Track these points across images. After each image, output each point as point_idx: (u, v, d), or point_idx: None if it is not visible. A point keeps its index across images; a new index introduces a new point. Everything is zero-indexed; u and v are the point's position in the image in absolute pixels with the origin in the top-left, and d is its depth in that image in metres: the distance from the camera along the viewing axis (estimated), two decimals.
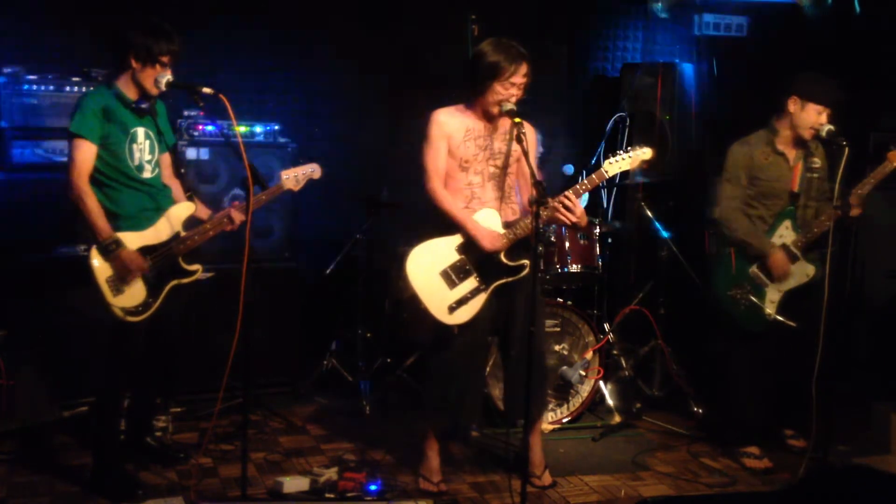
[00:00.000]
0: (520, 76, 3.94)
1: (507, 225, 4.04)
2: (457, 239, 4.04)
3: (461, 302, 3.99)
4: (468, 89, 4.04)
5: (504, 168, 4.09)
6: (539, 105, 4.40)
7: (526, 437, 3.96)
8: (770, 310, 4.50)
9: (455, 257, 4.02)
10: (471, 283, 4.02)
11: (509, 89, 3.92)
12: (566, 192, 3.95)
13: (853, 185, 4.40)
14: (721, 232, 4.64)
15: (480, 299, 4.02)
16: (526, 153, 3.81)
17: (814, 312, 4.29)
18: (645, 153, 4.04)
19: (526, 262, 4.03)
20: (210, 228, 4.08)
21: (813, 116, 4.44)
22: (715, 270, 4.68)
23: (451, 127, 4.03)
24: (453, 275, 4.01)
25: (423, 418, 4.27)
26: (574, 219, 3.95)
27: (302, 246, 5.51)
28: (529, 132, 4.02)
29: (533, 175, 3.75)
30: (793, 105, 4.49)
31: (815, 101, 4.43)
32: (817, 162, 4.56)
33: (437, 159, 4.04)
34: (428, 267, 4.00)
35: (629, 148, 4.04)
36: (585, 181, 4.01)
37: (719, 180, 4.64)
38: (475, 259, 4.02)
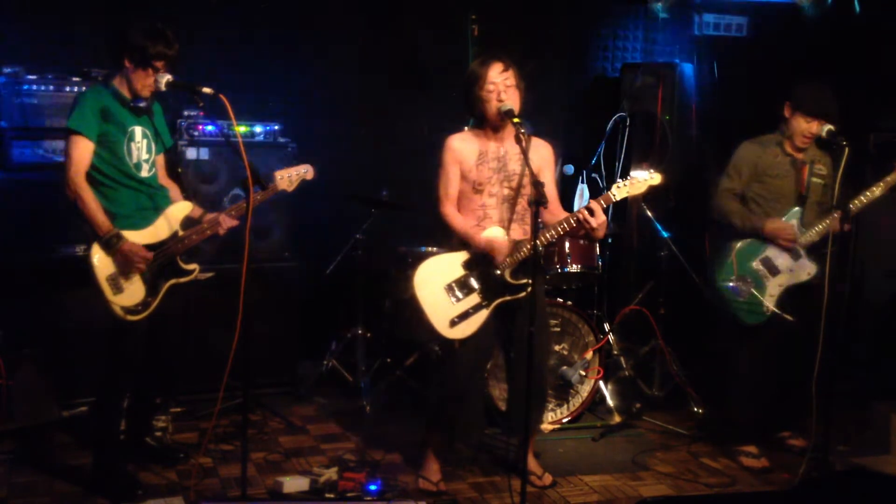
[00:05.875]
0: (496, 73, 3.99)
1: (515, 243, 4.06)
2: (463, 255, 4.07)
3: (463, 317, 4.00)
4: (473, 116, 4.16)
5: (517, 189, 4.13)
6: (539, 105, 4.41)
7: (525, 445, 3.94)
8: (769, 303, 4.51)
9: (460, 273, 4.05)
10: (473, 298, 4.03)
11: (492, 89, 3.97)
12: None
13: (853, 184, 4.40)
14: (718, 222, 4.64)
15: (482, 315, 4.02)
16: (525, 152, 3.81)
17: (812, 311, 4.30)
18: (654, 178, 4.02)
19: (529, 280, 4.03)
20: (207, 228, 4.08)
21: (802, 125, 4.49)
22: (716, 265, 4.67)
23: (463, 153, 4.10)
24: (457, 289, 4.03)
25: (425, 429, 4.28)
26: (595, 224, 3.91)
27: (302, 246, 5.51)
28: (545, 148, 4.21)
29: (532, 174, 3.76)
30: (787, 110, 4.55)
31: (802, 111, 4.49)
32: (823, 169, 4.60)
33: (448, 184, 4.13)
34: (433, 280, 4.03)
35: (638, 173, 4.03)
36: (592, 202, 3.97)
37: (720, 175, 4.66)
38: (479, 276, 4.04)
